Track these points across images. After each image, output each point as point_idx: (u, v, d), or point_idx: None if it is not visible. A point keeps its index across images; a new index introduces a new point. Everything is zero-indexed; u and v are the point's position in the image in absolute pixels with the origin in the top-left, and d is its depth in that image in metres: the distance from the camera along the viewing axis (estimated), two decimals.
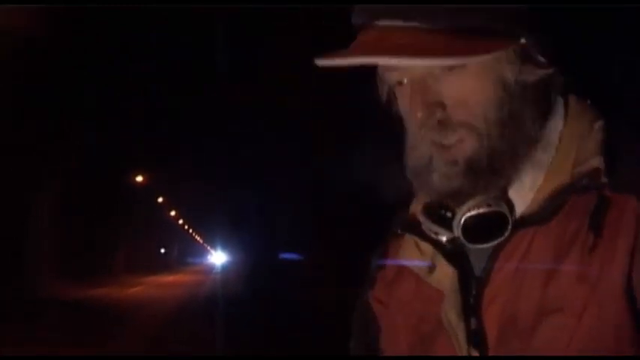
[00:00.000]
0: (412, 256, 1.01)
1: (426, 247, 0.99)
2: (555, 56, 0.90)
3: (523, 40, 0.88)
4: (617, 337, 0.83)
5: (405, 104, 0.93)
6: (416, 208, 1.02)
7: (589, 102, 0.95)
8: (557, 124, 0.93)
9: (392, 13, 0.85)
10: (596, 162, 0.87)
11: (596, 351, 0.83)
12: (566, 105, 0.95)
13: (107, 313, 15.58)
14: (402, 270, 1.04)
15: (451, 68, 0.87)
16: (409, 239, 1.02)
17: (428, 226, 0.97)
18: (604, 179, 0.86)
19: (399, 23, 0.85)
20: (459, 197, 0.91)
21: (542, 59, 0.90)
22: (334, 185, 16.98)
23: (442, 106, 0.88)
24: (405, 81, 0.91)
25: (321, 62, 0.86)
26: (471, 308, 0.93)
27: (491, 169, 0.89)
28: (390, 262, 1.07)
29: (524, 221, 0.91)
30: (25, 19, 13.33)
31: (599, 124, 0.91)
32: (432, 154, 0.91)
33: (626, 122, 0.93)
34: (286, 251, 21.46)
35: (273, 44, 15.99)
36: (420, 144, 0.92)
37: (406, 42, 0.83)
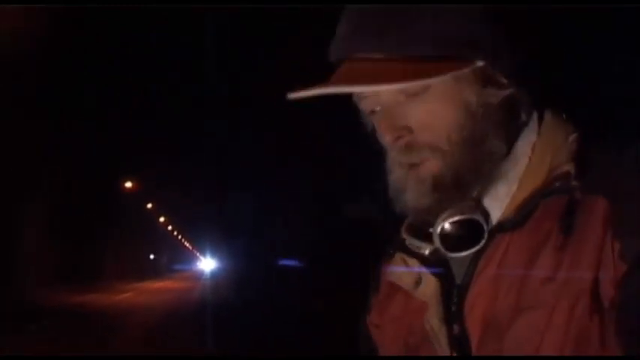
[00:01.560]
0: (401, 272, 1.07)
1: (412, 262, 1.05)
2: (519, 76, 0.95)
3: (481, 63, 0.93)
4: (585, 334, 0.85)
5: (378, 130, 0.99)
6: (404, 227, 1.09)
7: (564, 115, 1.00)
8: (530, 138, 0.97)
9: (357, 47, 0.94)
10: (568, 167, 0.92)
11: (566, 348, 0.86)
12: (540, 119, 0.99)
13: (96, 319, 15.51)
14: (392, 288, 1.10)
15: (415, 93, 0.93)
16: (398, 257, 1.08)
17: (410, 241, 1.05)
18: (574, 182, 0.90)
19: (363, 55, 0.93)
20: (429, 213, 0.97)
21: (504, 80, 0.95)
22: (325, 190, 16.97)
23: (409, 129, 0.95)
24: (378, 109, 0.97)
25: (294, 95, 0.92)
26: (453, 315, 0.97)
27: (456, 186, 0.94)
28: (382, 282, 1.13)
29: (501, 227, 0.95)
30: (26, 19, 13.31)
31: (573, 137, 0.96)
32: (404, 175, 0.97)
33: (598, 132, 0.97)
34: (276, 258, 21.43)
35: (270, 48, 15.94)
36: (393, 166, 0.98)
37: (369, 71, 0.91)
